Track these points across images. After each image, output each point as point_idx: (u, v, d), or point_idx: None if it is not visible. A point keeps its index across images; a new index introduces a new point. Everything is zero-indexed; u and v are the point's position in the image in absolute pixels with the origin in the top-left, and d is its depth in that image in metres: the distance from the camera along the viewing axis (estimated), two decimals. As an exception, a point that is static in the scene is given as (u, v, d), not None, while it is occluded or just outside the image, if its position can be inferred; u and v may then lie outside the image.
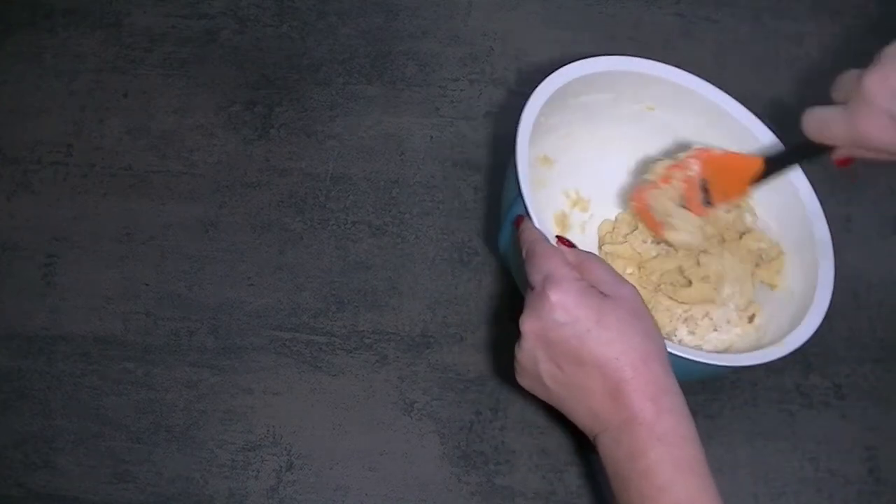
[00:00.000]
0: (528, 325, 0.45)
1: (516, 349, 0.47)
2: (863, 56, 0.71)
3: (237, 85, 0.70)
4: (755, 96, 0.60)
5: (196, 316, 0.63)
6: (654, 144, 0.63)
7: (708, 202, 0.56)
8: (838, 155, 0.49)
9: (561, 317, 0.44)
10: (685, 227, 0.57)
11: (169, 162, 0.68)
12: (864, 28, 0.73)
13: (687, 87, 0.58)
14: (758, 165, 0.54)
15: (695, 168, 0.56)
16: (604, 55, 0.57)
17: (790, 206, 0.57)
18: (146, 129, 0.69)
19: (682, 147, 0.60)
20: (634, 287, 0.46)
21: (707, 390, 0.61)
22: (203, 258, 0.65)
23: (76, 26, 0.73)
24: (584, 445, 0.59)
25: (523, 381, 0.48)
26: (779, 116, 0.60)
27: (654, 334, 0.45)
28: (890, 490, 0.59)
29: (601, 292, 0.45)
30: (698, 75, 0.59)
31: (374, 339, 0.63)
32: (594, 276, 0.46)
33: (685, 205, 0.57)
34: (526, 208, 0.50)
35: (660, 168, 0.58)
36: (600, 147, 0.63)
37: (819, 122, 0.48)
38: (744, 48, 0.72)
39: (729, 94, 0.59)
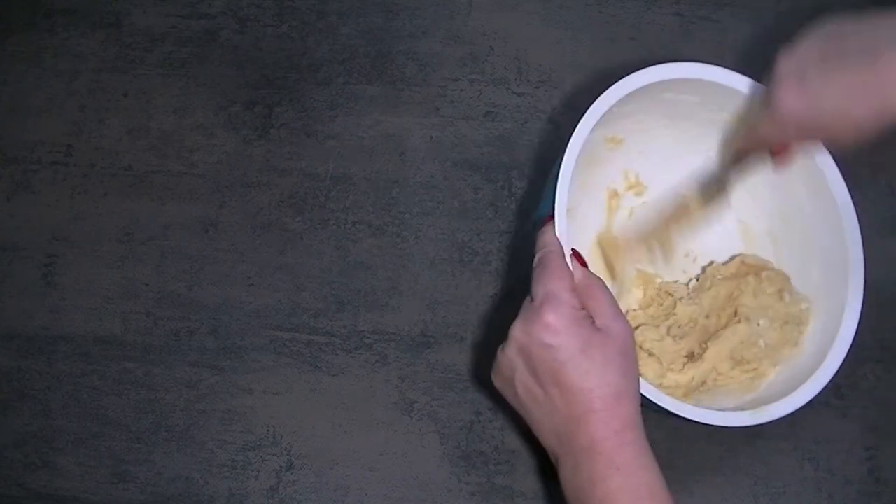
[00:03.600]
0: (516, 332, 0.47)
1: (499, 349, 0.48)
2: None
3: (237, 85, 0.70)
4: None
5: (196, 316, 0.63)
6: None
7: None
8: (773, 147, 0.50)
9: (548, 338, 0.45)
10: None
11: (169, 162, 0.68)
12: (864, 28, 0.73)
13: None
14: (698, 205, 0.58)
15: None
16: (692, 62, 0.55)
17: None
18: (146, 129, 0.69)
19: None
20: (629, 325, 0.47)
21: (707, 390, 0.61)
22: (203, 258, 0.65)
23: (76, 26, 0.73)
24: (546, 473, 0.60)
25: (497, 381, 0.50)
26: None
27: (634, 374, 0.46)
28: (890, 490, 0.59)
29: (595, 324, 0.46)
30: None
31: (374, 339, 0.63)
32: (594, 303, 0.47)
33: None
34: (555, 211, 0.49)
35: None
36: (674, 142, 0.62)
37: (749, 131, 0.50)
38: (744, 48, 0.72)
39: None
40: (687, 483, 0.59)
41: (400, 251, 0.65)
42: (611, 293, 0.48)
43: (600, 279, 0.49)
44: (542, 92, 0.70)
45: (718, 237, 0.63)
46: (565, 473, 0.46)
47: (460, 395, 0.61)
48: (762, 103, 0.47)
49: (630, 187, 0.63)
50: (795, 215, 0.60)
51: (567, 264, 0.48)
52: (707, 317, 0.59)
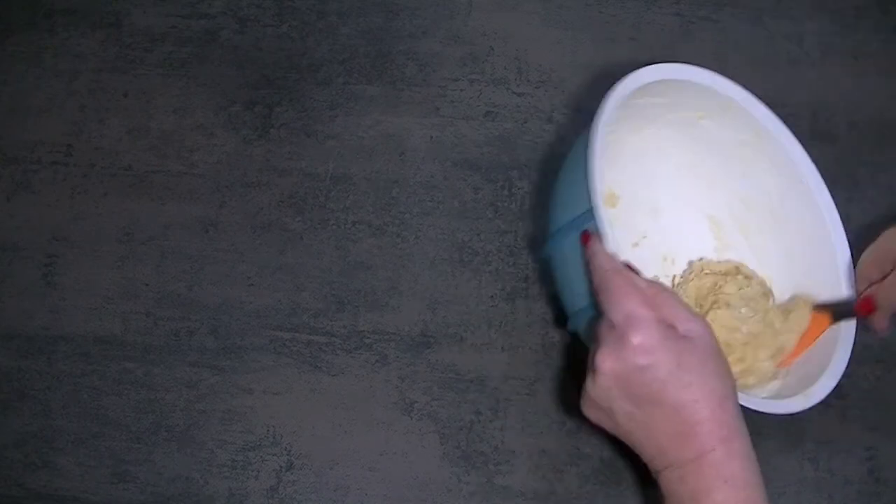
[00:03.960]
0: (607, 363, 0.45)
1: (589, 384, 0.46)
2: (861, 55, 0.72)
3: (237, 85, 0.70)
4: (755, 97, 0.60)
5: (196, 316, 0.63)
6: (697, 154, 0.62)
7: None
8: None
9: (642, 360, 0.44)
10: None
11: (169, 162, 0.68)
12: (864, 28, 0.73)
13: (736, 102, 0.57)
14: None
15: None
16: (663, 62, 0.55)
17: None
18: (146, 129, 0.69)
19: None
20: (707, 322, 0.46)
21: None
22: (203, 258, 0.65)
23: (76, 26, 0.73)
24: (645, 480, 0.58)
25: (591, 412, 0.48)
26: (780, 118, 0.60)
27: (728, 374, 0.45)
28: (890, 490, 0.59)
29: (678, 332, 0.45)
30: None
31: (374, 339, 0.62)
32: (668, 311, 0.45)
33: None
34: (600, 228, 0.48)
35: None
36: (641, 147, 0.62)
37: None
38: (744, 48, 0.72)
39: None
40: (687, 483, 0.59)
41: (400, 251, 0.65)
42: (677, 295, 0.47)
43: (663, 284, 0.48)
44: (542, 92, 0.70)
45: (691, 237, 0.64)
46: (669, 486, 0.45)
47: (460, 395, 0.61)
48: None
49: (604, 200, 0.63)
50: (763, 203, 0.61)
51: (631, 280, 0.46)
52: (699, 308, 0.59)
